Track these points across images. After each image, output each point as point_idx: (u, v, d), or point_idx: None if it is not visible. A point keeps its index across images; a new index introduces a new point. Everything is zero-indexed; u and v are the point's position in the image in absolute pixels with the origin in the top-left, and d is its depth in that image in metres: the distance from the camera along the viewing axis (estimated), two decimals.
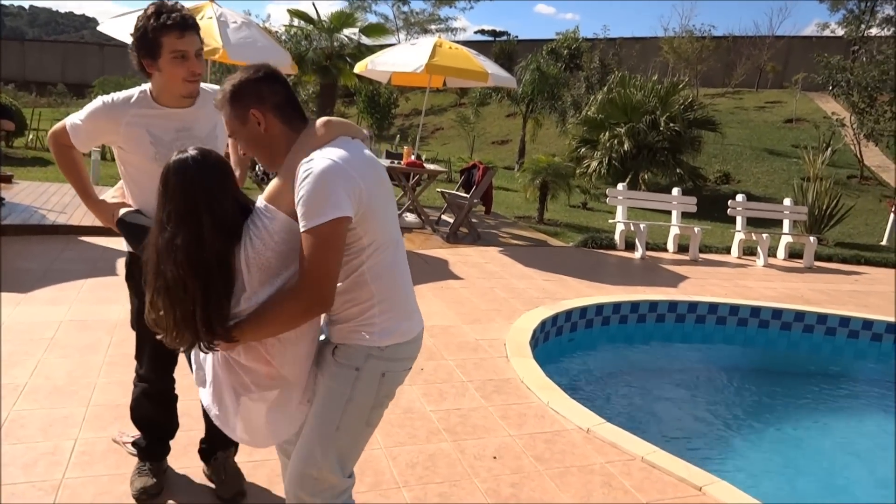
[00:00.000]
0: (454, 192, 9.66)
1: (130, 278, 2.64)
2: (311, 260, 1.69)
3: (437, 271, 6.77)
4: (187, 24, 2.32)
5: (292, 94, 1.90)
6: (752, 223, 10.10)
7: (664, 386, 5.34)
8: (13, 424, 3.06)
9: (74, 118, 2.49)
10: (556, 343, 5.51)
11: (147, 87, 2.48)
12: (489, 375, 4.22)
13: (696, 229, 9.00)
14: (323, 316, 1.97)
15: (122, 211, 2.48)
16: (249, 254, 1.76)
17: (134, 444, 2.82)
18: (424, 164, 9.45)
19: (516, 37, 34.14)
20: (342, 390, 1.89)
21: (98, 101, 2.47)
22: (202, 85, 2.51)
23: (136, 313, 2.59)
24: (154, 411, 2.70)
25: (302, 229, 1.70)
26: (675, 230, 9.33)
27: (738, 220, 9.67)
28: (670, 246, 9.33)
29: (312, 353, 1.97)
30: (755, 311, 6.49)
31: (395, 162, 9.44)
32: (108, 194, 2.67)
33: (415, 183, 9.50)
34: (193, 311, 1.75)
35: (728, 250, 9.65)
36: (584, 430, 3.56)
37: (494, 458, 3.21)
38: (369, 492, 2.83)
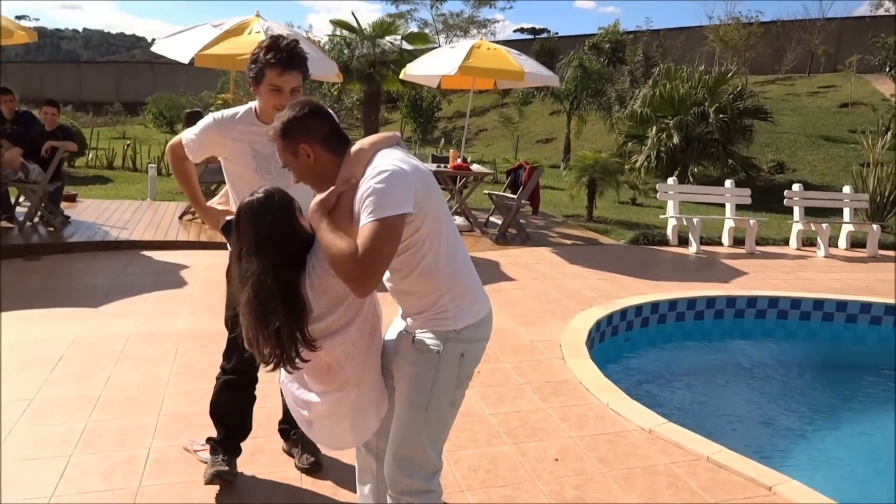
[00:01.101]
0: (501, 193, 9.65)
1: (229, 278, 2.82)
2: (370, 245, 1.79)
3: (488, 273, 6.78)
4: (289, 65, 2.56)
5: (336, 124, 2.09)
6: (811, 213, 9.80)
7: (726, 384, 5.23)
8: (90, 434, 3.19)
9: (189, 133, 2.79)
10: (613, 343, 5.46)
11: (253, 104, 2.75)
12: (546, 377, 4.21)
13: (751, 221, 8.78)
14: (399, 311, 2.16)
15: (228, 217, 2.70)
16: (313, 280, 1.97)
17: (209, 440, 2.95)
18: (470, 167, 9.47)
19: (556, 33, 33.94)
20: (427, 373, 2.04)
21: (209, 118, 2.77)
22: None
23: (233, 311, 2.76)
24: (234, 403, 2.88)
25: (365, 221, 1.82)
26: (729, 223, 9.12)
27: (796, 210, 9.39)
28: (725, 239, 9.12)
29: (378, 364, 2.16)
30: (818, 303, 6.30)
31: (442, 165, 9.47)
32: (214, 201, 2.98)
33: (461, 186, 9.52)
34: (267, 331, 1.93)
35: (786, 242, 9.38)
36: (646, 431, 3.51)
37: (556, 460, 3.20)
38: None
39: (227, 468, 2.79)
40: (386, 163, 1.90)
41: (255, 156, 2.70)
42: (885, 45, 15.70)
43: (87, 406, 3.48)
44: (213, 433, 3.03)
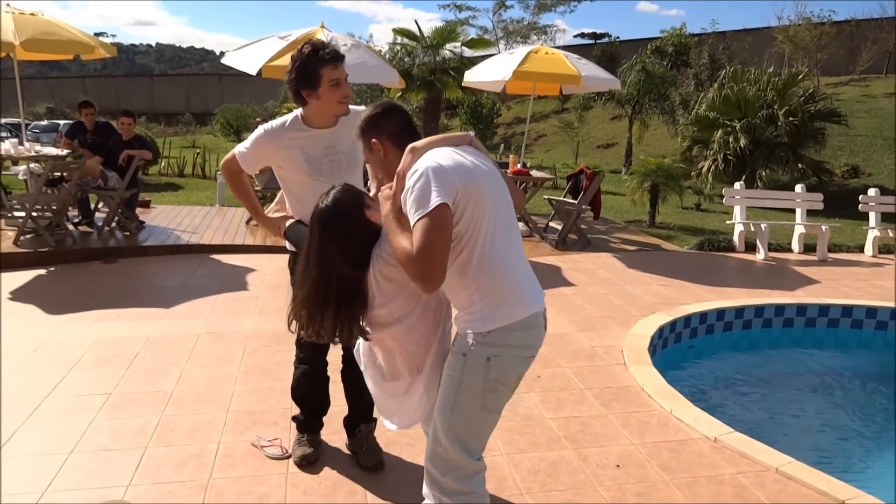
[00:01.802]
0: (561, 198, 9.58)
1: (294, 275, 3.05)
2: (422, 242, 1.86)
3: (548, 278, 6.74)
4: (339, 57, 2.72)
5: (408, 121, 2.20)
6: (888, 219, 9.36)
7: (795, 394, 5.04)
8: (164, 428, 3.33)
9: (241, 147, 2.94)
10: (676, 350, 5.34)
11: (297, 112, 2.87)
12: (607, 383, 4.16)
13: (823, 227, 8.45)
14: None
15: (288, 223, 2.89)
16: (377, 268, 2.09)
17: (294, 418, 3.24)
18: (530, 172, 9.44)
19: (618, 38, 33.48)
20: (454, 375, 2.08)
21: (260, 130, 2.90)
22: None
23: None
24: (312, 390, 3.15)
25: (412, 222, 1.90)
26: (799, 229, 8.81)
27: (872, 215, 8.99)
28: (795, 246, 8.81)
29: (441, 353, 2.21)
30: (895, 313, 6.01)
31: (501, 171, 9.47)
32: (271, 208, 3.12)
33: (521, 191, 9.50)
34: (323, 319, 2.13)
35: (861, 249, 8.98)
36: (711, 440, 3.43)
37: (618, 466, 3.16)
38: (493, 497, 2.85)
39: (311, 450, 3.09)
40: (423, 162, 1.97)
41: (307, 159, 2.83)
42: None
43: (161, 401, 3.63)
44: (278, 430, 3.33)
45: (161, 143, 16.10)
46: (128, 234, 7.72)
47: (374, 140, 2.14)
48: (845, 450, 4.07)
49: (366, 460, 3.08)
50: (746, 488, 3.00)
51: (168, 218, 8.86)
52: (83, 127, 8.07)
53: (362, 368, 2.38)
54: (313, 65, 2.67)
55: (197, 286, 5.97)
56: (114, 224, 7.91)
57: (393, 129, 2.14)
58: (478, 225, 1.99)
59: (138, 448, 3.13)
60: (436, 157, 1.98)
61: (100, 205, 8.32)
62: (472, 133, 2.23)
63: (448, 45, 15.66)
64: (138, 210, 8.52)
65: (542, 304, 2.14)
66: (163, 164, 15.11)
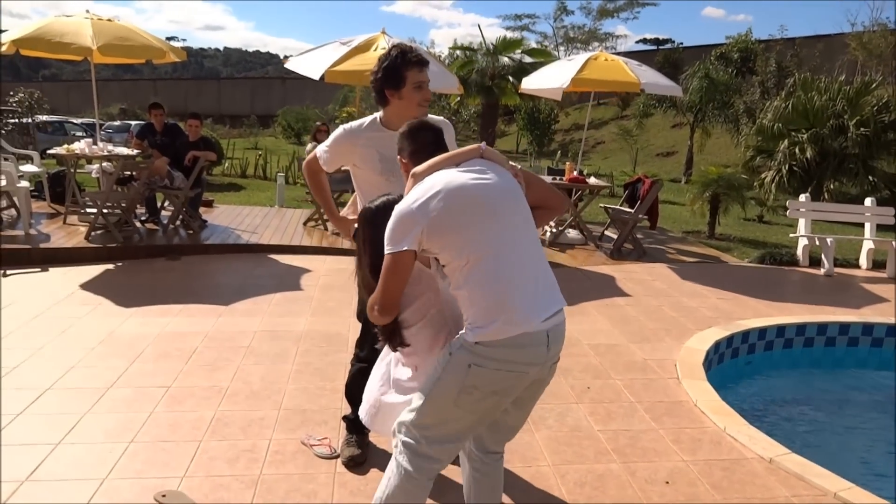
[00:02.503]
0: (618, 206, 9.45)
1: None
2: (381, 280, 2.11)
3: (602, 288, 6.66)
4: (425, 62, 2.83)
5: (432, 141, 2.34)
6: None
7: (857, 416, 4.84)
8: (218, 423, 3.44)
9: (322, 147, 3.10)
10: (732, 365, 5.20)
11: (377, 115, 3.01)
12: (659, 397, 4.08)
13: (894, 243, 8.09)
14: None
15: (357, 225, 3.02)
16: None
17: (345, 417, 3.30)
18: (587, 180, 9.34)
19: (681, 43, 32.84)
20: (437, 368, 2.17)
21: (339, 130, 3.07)
22: None
23: (362, 308, 3.08)
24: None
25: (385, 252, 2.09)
26: (868, 244, 8.45)
27: None
28: (863, 262, 8.46)
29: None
30: None
31: (558, 178, 9.41)
32: (345, 210, 3.28)
33: (577, 198, 9.41)
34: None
35: None
36: (766, 460, 3.33)
37: (667, 483, 3.10)
38: None
39: (359, 451, 3.15)
40: (407, 197, 2.13)
41: (381, 159, 2.92)
42: None
43: (217, 396, 3.75)
44: (328, 430, 3.38)
45: (225, 145, 16.58)
46: (191, 232, 7.99)
47: (400, 157, 2.35)
48: None
49: None
50: None
51: (229, 217, 9.12)
52: (152, 128, 8.39)
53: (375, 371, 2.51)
54: (400, 66, 2.78)
55: (255, 285, 6.13)
56: (178, 222, 8.20)
57: (412, 149, 2.31)
58: (473, 241, 2.06)
59: (194, 441, 3.23)
60: (418, 193, 2.10)
61: (166, 203, 8.63)
62: (483, 144, 2.28)
63: (507, 53, 15.66)
64: (202, 209, 8.80)
65: (545, 324, 2.11)
66: (226, 164, 15.56)
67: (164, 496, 2.74)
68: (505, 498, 2.91)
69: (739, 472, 3.22)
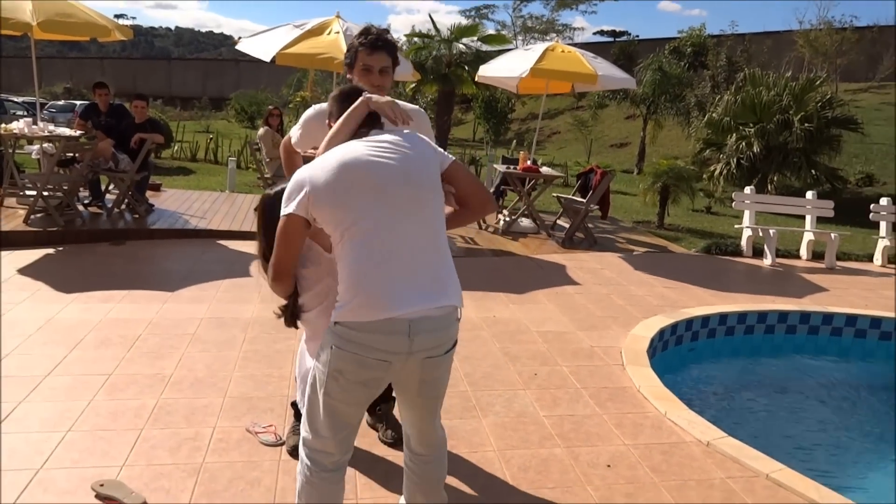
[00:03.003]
0: (570, 196, 9.57)
1: None
2: (274, 249, 2.14)
3: (552, 276, 6.74)
4: (376, 46, 2.75)
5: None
6: None
7: (793, 401, 5.03)
8: (161, 411, 3.38)
9: (295, 128, 3.12)
10: (676, 353, 5.34)
11: None
12: (604, 383, 4.17)
13: (832, 235, 8.40)
14: None
15: None
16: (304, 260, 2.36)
17: (293, 404, 3.22)
18: (540, 169, 9.43)
19: (637, 36, 33.27)
20: (319, 347, 2.18)
21: (310, 110, 3.06)
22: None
23: None
24: None
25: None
26: (809, 236, 8.76)
27: (882, 225, 8.92)
28: (804, 253, 8.76)
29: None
30: None
31: (512, 167, 9.47)
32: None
33: (530, 188, 9.49)
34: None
35: (870, 258, 8.93)
36: (703, 444, 3.44)
37: (608, 466, 3.18)
38: (483, 492, 2.88)
39: None
40: (305, 165, 2.17)
41: None
42: None
43: (160, 384, 3.68)
44: (274, 417, 3.36)
45: (175, 127, 16.18)
46: (137, 216, 7.79)
47: (328, 122, 2.36)
48: (838, 459, 4.06)
49: (387, 437, 3.23)
50: (736, 493, 3.00)
51: (178, 202, 8.92)
52: (97, 108, 8.14)
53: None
54: (355, 47, 2.78)
55: (203, 271, 6.02)
56: (123, 206, 7.98)
57: (339, 114, 2.30)
58: (353, 218, 2.04)
59: (134, 429, 3.17)
60: (320, 159, 2.13)
61: (111, 187, 8.39)
62: (367, 95, 2.30)
63: (464, 40, 15.61)
64: (148, 193, 8.58)
65: (410, 313, 2.02)
66: (176, 148, 15.19)
67: (101, 485, 2.68)
68: (450, 481, 2.93)
69: (678, 455, 3.32)
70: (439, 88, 16.35)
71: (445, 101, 16.71)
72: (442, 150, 2.33)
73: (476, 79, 10.02)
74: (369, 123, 2.27)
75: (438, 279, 2.12)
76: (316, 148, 3.21)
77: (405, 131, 2.25)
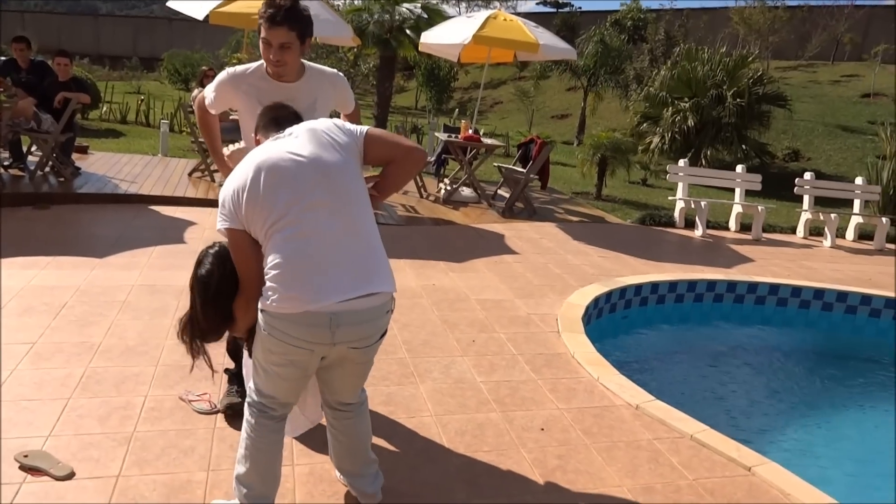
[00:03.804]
0: (511, 166, 9.63)
1: None
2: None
3: (492, 245, 6.81)
4: (275, 20, 2.65)
5: (273, 118, 2.41)
6: (821, 203, 9.73)
7: (718, 367, 5.27)
8: (90, 380, 3.28)
9: (209, 88, 3.04)
10: (610, 320, 5.49)
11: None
12: (540, 349, 4.26)
13: (759, 208, 8.75)
14: None
15: None
16: None
17: (226, 370, 3.26)
18: (482, 139, 9.44)
19: (579, 8, 33.43)
20: None
21: (224, 73, 2.99)
22: (309, 65, 2.96)
23: None
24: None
25: None
26: (737, 208, 9.09)
27: (806, 198, 9.34)
28: (732, 225, 9.10)
29: None
30: (819, 293, 6.30)
31: (453, 136, 9.45)
32: (228, 150, 3.23)
33: (472, 157, 9.50)
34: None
35: (794, 230, 9.35)
36: (633, 407, 3.57)
37: (542, 430, 3.26)
38: (419, 456, 2.92)
39: (238, 400, 3.04)
40: (229, 178, 2.22)
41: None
42: None
43: (88, 352, 3.56)
44: (208, 386, 3.32)
45: (103, 88, 15.41)
46: (62, 179, 7.44)
47: (255, 137, 2.45)
48: (758, 420, 4.29)
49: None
50: (662, 453, 3.14)
51: (107, 166, 8.56)
52: (16, 64, 7.68)
53: None
54: (260, 16, 2.69)
55: (133, 237, 5.82)
56: (47, 169, 7.61)
57: (261, 123, 2.43)
58: (273, 217, 2.09)
59: (61, 399, 3.07)
60: (239, 169, 2.19)
61: (33, 148, 7.97)
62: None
63: (406, 5, 15.33)
64: (75, 156, 8.20)
65: (335, 306, 2.06)
66: (104, 109, 14.50)
67: (25, 456, 2.59)
68: (387, 446, 2.97)
69: (608, 418, 3.43)
70: (380, 54, 16.07)
71: (387, 68, 16.43)
72: (352, 124, 2.33)
73: (419, 48, 9.90)
74: (283, 122, 2.35)
75: (363, 268, 2.15)
76: (234, 111, 3.18)
77: (314, 122, 2.29)
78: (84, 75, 12.51)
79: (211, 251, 2.27)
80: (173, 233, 6.11)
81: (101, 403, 3.08)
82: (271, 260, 2.09)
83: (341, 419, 2.46)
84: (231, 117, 6.39)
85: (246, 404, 2.32)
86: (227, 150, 3.26)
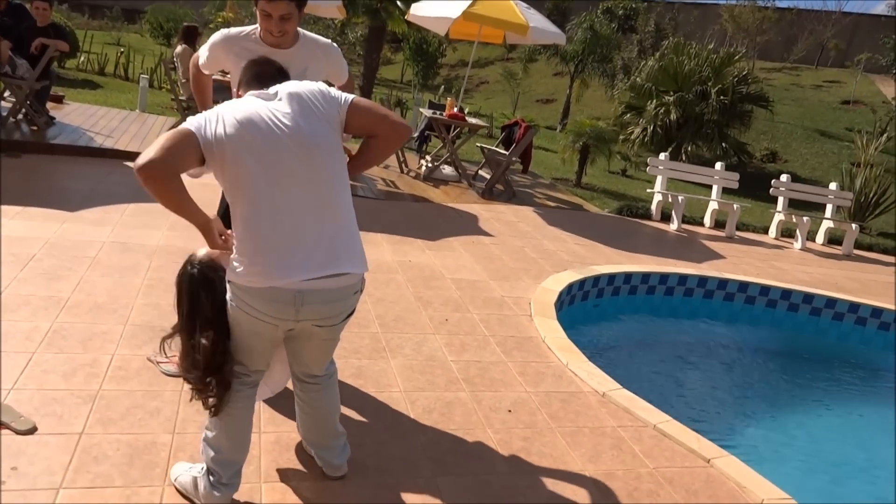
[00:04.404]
0: (494, 147, 9.61)
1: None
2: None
3: (470, 226, 6.81)
4: None
5: (258, 73, 2.34)
6: (795, 205, 9.90)
7: (685, 360, 5.36)
8: (56, 335, 3.22)
9: (204, 47, 3.03)
10: (581, 307, 5.55)
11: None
12: (511, 332, 4.29)
13: (735, 206, 8.86)
14: None
15: None
16: None
17: None
18: (466, 118, 9.40)
19: None
20: None
21: (218, 34, 2.98)
22: (303, 32, 2.97)
23: (222, 212, 2.99)
24: None
25: None
26: (713, 205, 9.20)
27: (780, 200, 9.48)
28: (707, 221, 9.21)
29: None
30: (786, 293, 6.42)
31: (438, 113, 9.39)
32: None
33: (455, 136, 9.46)
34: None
35: (766, 230, 9.49)
36: (599, 394, 3.62)
37: (509, 411, 3.30)
38: (386, 431, 2.94)
39: None
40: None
41: None
42: None
43: (55, 307, 3.50)
44: (176, 348, 3.18)
45: (82, 37, 14.99)
46: (35, 128, 7.24)
47: (236, 92, 2.42)
48: (719, 414, 4.38)
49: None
50: (624, 441, 3.19)
51: (82, 117, 8.36)
52: None
53: None
54: None
55: (107, 193, 5.71)
56: (20, 116, 7.40)
57: (244, 78, 2.36)
58: (243, 181, 2.04)
59: (25, 353, 3.02)
60: (225, 111, 2.09)
61: (6, 94, 7.74)
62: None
63: None
64: (49, 105, 7.99)
65: (301, 284, 2.04)
66: (82, 59, 14.13)
67: None
68: (356, 418, 2.98)
69: (575, 404, 3.48)
70: (369, 24, 15.85)
71: (375, 38, 16.23)
72: (338, 91, 2.27)
73: (407, 17, 9.77)
74: (265, 78, 2.29)
75: (333, 247, 2.11)
76: (226, 73, 3.13)
77: (299, 84, 2.22)
78: (63, 22, 12.14)
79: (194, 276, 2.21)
80: None
81: (67, 360, 3.03)
82: (241, 231, 2.06)
83: (308, 391, 2.47)
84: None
85: None
86: None
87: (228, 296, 2.14)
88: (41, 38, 7.29)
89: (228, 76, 3.20)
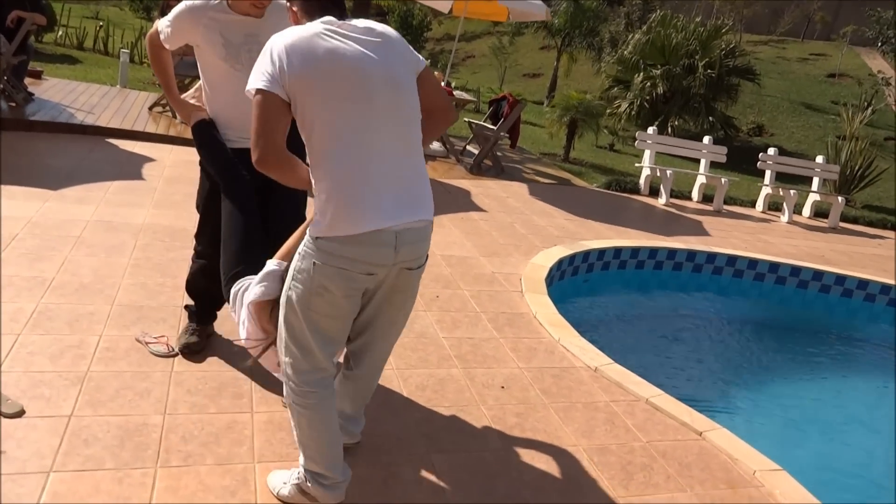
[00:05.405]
0: (481, 122, 9.53)
1: (203, 167, 3.00)
2: (253, 120, 1.94)
3: (459, 202, 6.77)
4: None
5: None
6: (782, 178, 9.92)
7: (675, 333, 5.39)
8: (41, 316, 3.17)
9: (164, 21, 2.82)
10: (572, 282, 5.55)
11: None
12: (503, 308, 4.28)
13: (722, 180, 8.87)
14: None
15: (199, 117, 2.86)
16: None
17: (186, 307, 3.23)
18: (453, 92, 9.30)
19: None
20: (294, 267, 2.07)
21: (182, 5, 2.78)
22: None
23: (205, 195, 2.98)
24: (208, 285, 3.02)
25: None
26: (701, 179, 9.20)
27: (767, 173, 9.50)
28: (695, 195, 9.22)
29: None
30: (773, 266, 6.46)
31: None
32: (188, 94, 3.04)
33: None
34: None
35: (753, 204, 9.52)
36: (591, 369, 3.62)
37: (502, 387, 3.29)
38: (380, 409, 2.92)
39: (196, 339, 3.07)
40: (273, 39, 1.97)
41: (225, 44, 2.74)
42: (881, 19, 15.60)
43: (40, 288, 3.44)
44: (166, 328, 3.27)
45: (59, 10, 14.63)
46: (13, 105, 7.07)
47: (290, 5, 2.16)
48: (711, 387, 4.42)
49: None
50: (617, 415, 3.20)
51: (62, 93, 8.18)
52: None
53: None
54: None
55: (89, 170, 5.60)
56: None
57: (305, 6, 2.11)
58: (331, 115, 1.93)
59: (10, 334, 2.96)
60: (293, 32, 1.95)
61: None
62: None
63: None
64: (28, 80, 7.80)
65: (395, 224, 1.98)
66: (60, 33, 13.80)
67: None
68: None
69: (567, 379, 3.48)
70: None
71: (359, 10, 15.97)
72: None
73: None
74: (329, 6, 2.08)
75: (418, 191, 2.08)
76: (192, 55, 2.98)
77: (384, 26, 2.09)
78: None
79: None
80: (131, 168, 5.90)
81: (53, 341, 2.98)
82: (328, 172, 1.94)
83: (354, 380, 2.42)
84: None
85: (286, 388, 2.18)
86: (190, 95, 3.06)
87: (312, 260, 1.97)
88: (17, 11, 7.09)
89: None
